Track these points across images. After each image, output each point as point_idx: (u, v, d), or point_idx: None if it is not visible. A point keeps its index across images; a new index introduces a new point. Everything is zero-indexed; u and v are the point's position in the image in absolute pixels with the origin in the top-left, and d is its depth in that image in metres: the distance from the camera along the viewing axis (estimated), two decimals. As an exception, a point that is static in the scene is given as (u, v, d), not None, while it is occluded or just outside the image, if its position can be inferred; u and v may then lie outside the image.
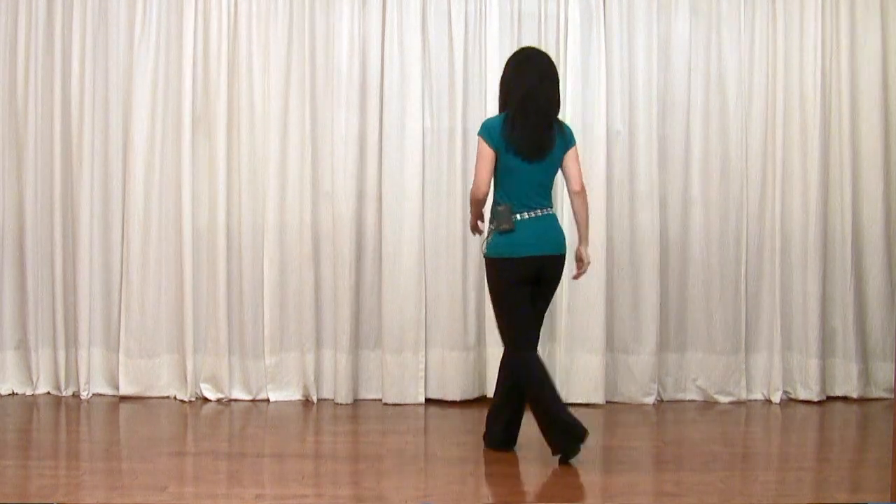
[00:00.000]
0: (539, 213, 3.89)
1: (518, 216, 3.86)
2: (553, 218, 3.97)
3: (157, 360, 5.04)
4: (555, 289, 4.02)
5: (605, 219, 4.97)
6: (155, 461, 3.91)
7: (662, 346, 5.09)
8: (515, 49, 4.91)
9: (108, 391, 5.07)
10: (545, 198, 3.93)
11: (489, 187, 3.89)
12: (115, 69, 5.01)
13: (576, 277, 4.15)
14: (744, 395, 5.09)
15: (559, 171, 3.99)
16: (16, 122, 5.02)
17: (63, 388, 5.04)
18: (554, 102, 3.93)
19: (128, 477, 3.71)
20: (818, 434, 4.65)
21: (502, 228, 3.85)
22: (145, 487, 3.55)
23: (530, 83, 3.86)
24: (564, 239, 4.00)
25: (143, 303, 5.02)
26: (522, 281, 3.88)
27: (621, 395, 5.06)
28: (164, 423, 4.61)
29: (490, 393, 5.00)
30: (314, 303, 5.01)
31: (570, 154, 3.95)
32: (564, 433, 3.86)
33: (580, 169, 4.00)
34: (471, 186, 3.93)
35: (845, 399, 5.13)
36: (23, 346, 5.08)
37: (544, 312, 4.05)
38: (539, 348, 4.97)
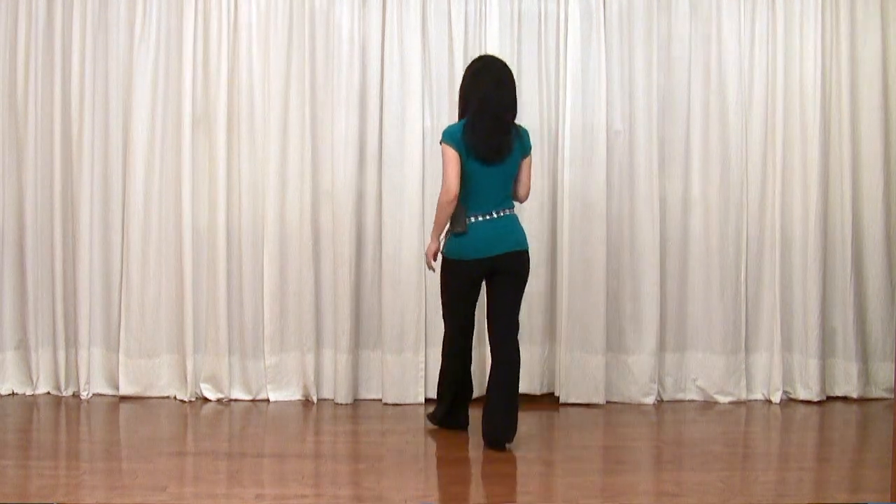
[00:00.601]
0: (496, 215, 4.06)
1: (472, 219, 4.04)
2: (511, 219, 4.13)
3: (157, 360, 5.04)
4: (520, 281, 4.14)
5: (606, 219, 4.97)
6: (155, 461, 3.91)
7: (662, 346, 5.09)
8: (516, 49, 4.99)
9: (108, 391, 5.07)
10: (504, 199, 4.10)
11: (458, 189, 4.02)
12: (115, 69, 5.01)
13: None
14: (744, 395, 5.09)
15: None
16: (16, 122, 5.02)
17: (63, 388, 5.04)
18: (510, 107, 4.08)
19: (128, 477, 3.71)
20: (818, 434, 4.65)
21: (456, 231, 4.06)
22: (145, 487, 3.56)
23: (487, 89, 4.04)
24: (523, 236, 4.16)
25: (143, 303, 5.02)
26: (471, 282, 4.13)
27: (621, 395, 5.05)
28: (164, 423, 4.61)
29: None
30: (314, 303, 5.01)
31: (525, 161, 4.15)
32: (455, 416, 4.36)
33: (530, 179, 4.21)
34: (440, 192, 4.05)
35: (845, 399, 5.13)
36: (23, 346, 5.08)
37: (516, 305, 4.16)
38: (538, 348, 5.04)
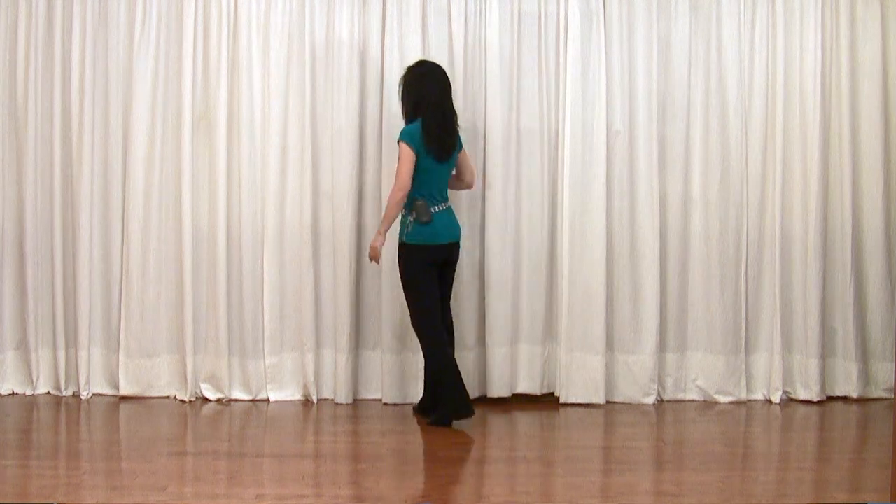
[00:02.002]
0: (444, 206, 4.56)
1: (434, 209, 4.50)
2: (452, 210, 4.63)
3: (157, 360, 5.04)
4: (454, 270, 4.69)
5: (605, 219, 4.97)
6: (155, 461, 3.91)
7: (662, 346, 5.08)
8: (516, 49, 4.99)
9: (108, 391, 5.07)
10: (445, 192, 4.61)
11: (410, 185, 4.44)
12: (115, 69, 5.00)
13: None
14: (744, 395, 5.09)
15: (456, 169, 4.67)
16: (16, 122, 5.02)
17: (63, 388, 5.04)
18: (454, 111, 4.58)
19: (128, 477, 3.71)
20: (818, 434, 4.65)
21: (422, 220, 4.47)
22: (145, 487, 3.56)
23: (437, 94, 4.50)
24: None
25: (143, 303, 5.02)
26: (434, 265, 4.52)
27: (621, 395, 5.05)
28: (164, 423, 4.61)
29: (491, 393, 5.03)
30: (314, 303, 5.01)
31: (463, 154, 4.65)
32: (455, 406, 4.45)
33: (471, 165, 4.72)
34: (393, 187, 4.45)
35: (845, 399, 5.13)
36: (23, 346, 5.08)
37: (449, 298, 4.67)
38: (539, 348, 5.05)
